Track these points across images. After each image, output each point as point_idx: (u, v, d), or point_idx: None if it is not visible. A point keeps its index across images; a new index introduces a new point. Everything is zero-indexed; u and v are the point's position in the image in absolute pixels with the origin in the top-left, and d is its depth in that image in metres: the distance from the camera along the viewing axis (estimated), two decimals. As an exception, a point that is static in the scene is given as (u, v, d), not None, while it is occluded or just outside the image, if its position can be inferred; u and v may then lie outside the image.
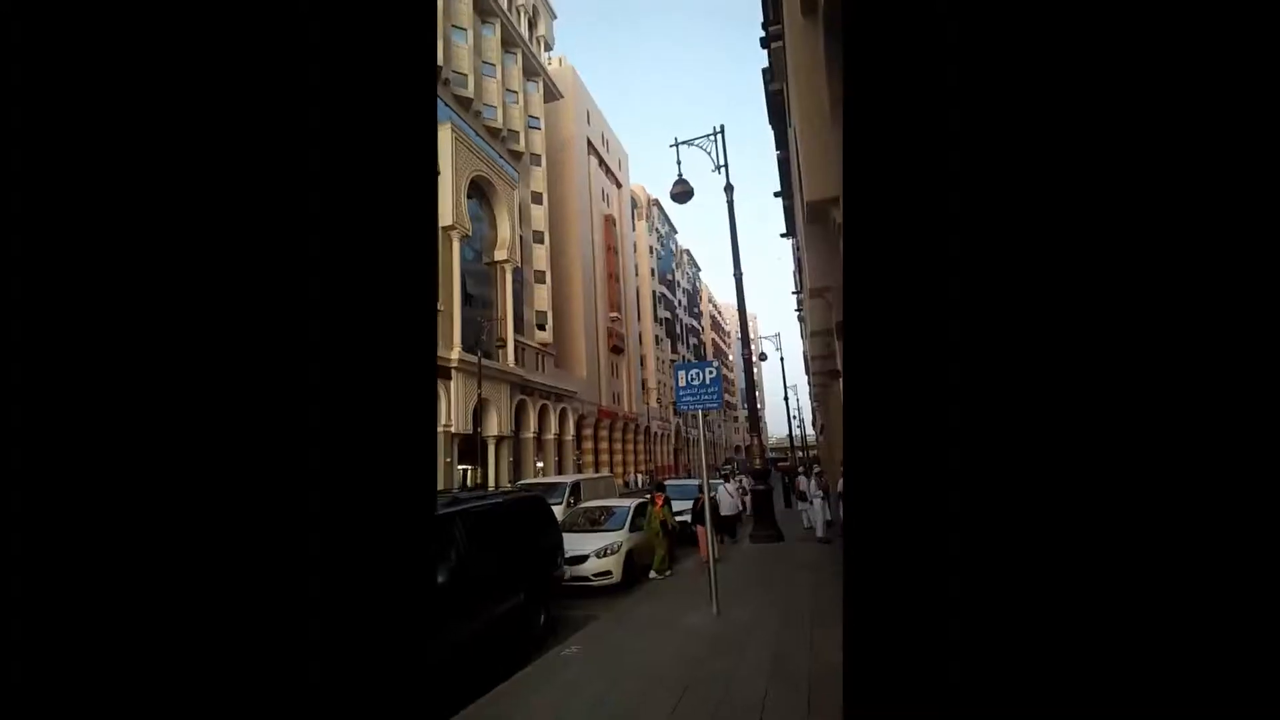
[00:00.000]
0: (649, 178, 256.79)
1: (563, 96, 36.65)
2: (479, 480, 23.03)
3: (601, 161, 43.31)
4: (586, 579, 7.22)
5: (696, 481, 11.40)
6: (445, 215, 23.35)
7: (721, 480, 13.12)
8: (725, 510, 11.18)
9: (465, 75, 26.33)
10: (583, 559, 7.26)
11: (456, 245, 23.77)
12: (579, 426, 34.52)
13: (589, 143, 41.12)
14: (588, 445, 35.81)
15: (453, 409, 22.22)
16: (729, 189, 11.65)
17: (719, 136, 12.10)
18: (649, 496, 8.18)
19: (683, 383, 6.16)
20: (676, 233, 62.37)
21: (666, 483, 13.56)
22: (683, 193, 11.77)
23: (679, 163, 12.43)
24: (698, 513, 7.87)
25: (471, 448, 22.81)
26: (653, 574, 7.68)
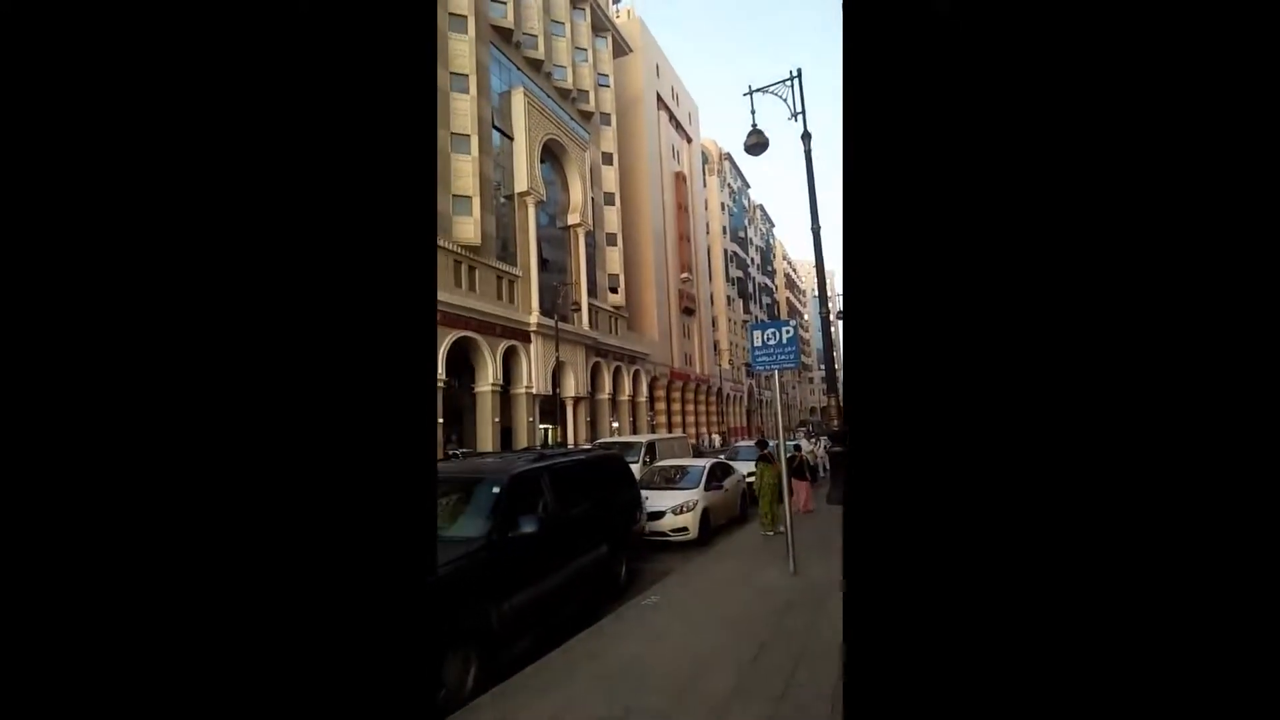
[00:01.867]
0: (720, 129, 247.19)
1: (632, 50, 35.71)
2: (559, 439, 24.06)
3: (671, 116, 42.15)
4: (664, 534, 7.47)
5: (774, 443, 11.33)
6: (520, 181, 23.76)
7: (814, 439, 12.91)
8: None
9: (535, 36, 26.18)
10: (660, 515, 7.50)
11: (532, 211, 24.20)
12: (651, 388, 34.93)
13: (659, 97, 40.04)
14: (660, 406, 36.25)
15: (533, 371, 23.11)
16: (806, 137, 11.05)
17: (795, 81, 11.42)
18: (763, 454, 8.18)
19: (758, 343, 6.09)
20: (749, 188, 60.20)
21: (740, 444, 13.54)
22: (757, 144, 11.29)
23: (753, 112, 11.90)
24: (795, 469, 7.88)
25: (551, 408, 23.82)
26: (769, 532, 7.61)
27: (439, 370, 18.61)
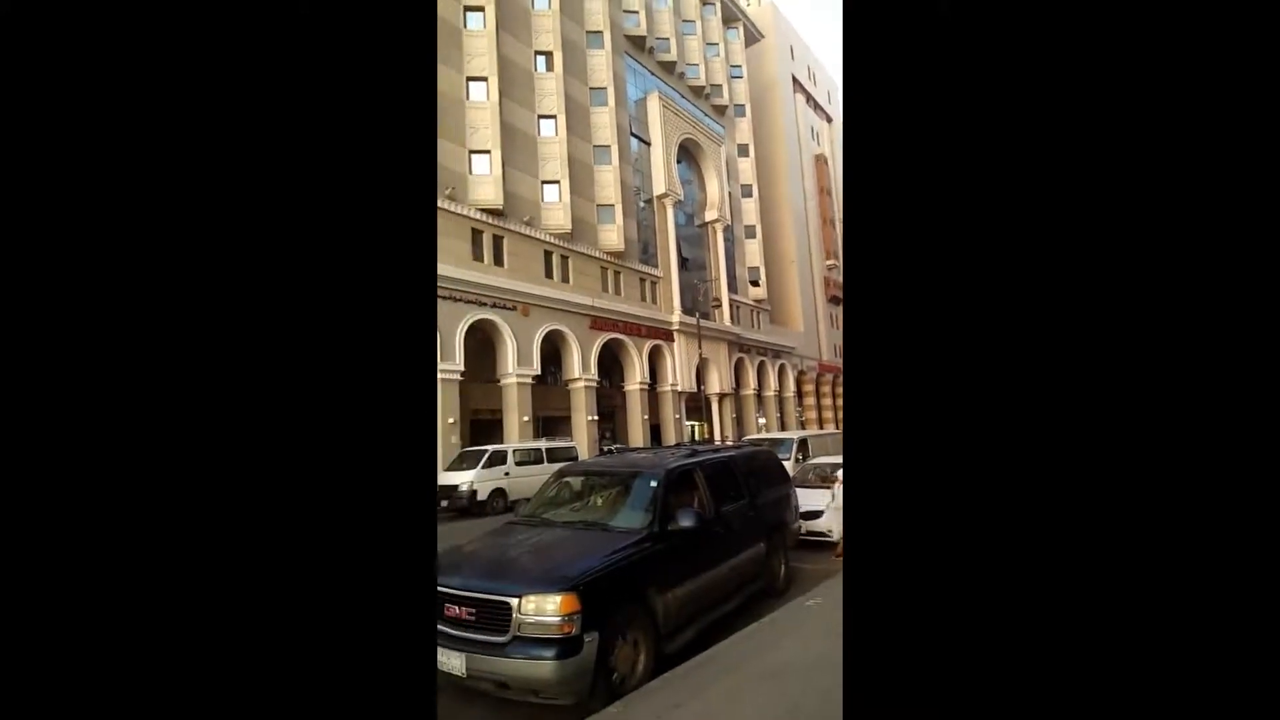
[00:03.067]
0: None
1: (764, 37, 34.74)
2: (705, 435, 24.21)
3: (809, 98, 40.20)
4: (823, 535, 7.15)
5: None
6: (658, 184, 24.31)
7: None
8: None
9: (667, 39, 26.59)
10: (817, 514, 7.19)
11: (670, 212, 24.63)
12: (799, 382, 33.63)
13: (794, 80, 38.42)
14: (809, 401, 34.75)
15: (677, 369, 23.52)
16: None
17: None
18: None
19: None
20: (901, 162, 55.05)
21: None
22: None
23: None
24: None
25: (696, 404, 24.05)
26: None
27: (591, 371, 19.72)
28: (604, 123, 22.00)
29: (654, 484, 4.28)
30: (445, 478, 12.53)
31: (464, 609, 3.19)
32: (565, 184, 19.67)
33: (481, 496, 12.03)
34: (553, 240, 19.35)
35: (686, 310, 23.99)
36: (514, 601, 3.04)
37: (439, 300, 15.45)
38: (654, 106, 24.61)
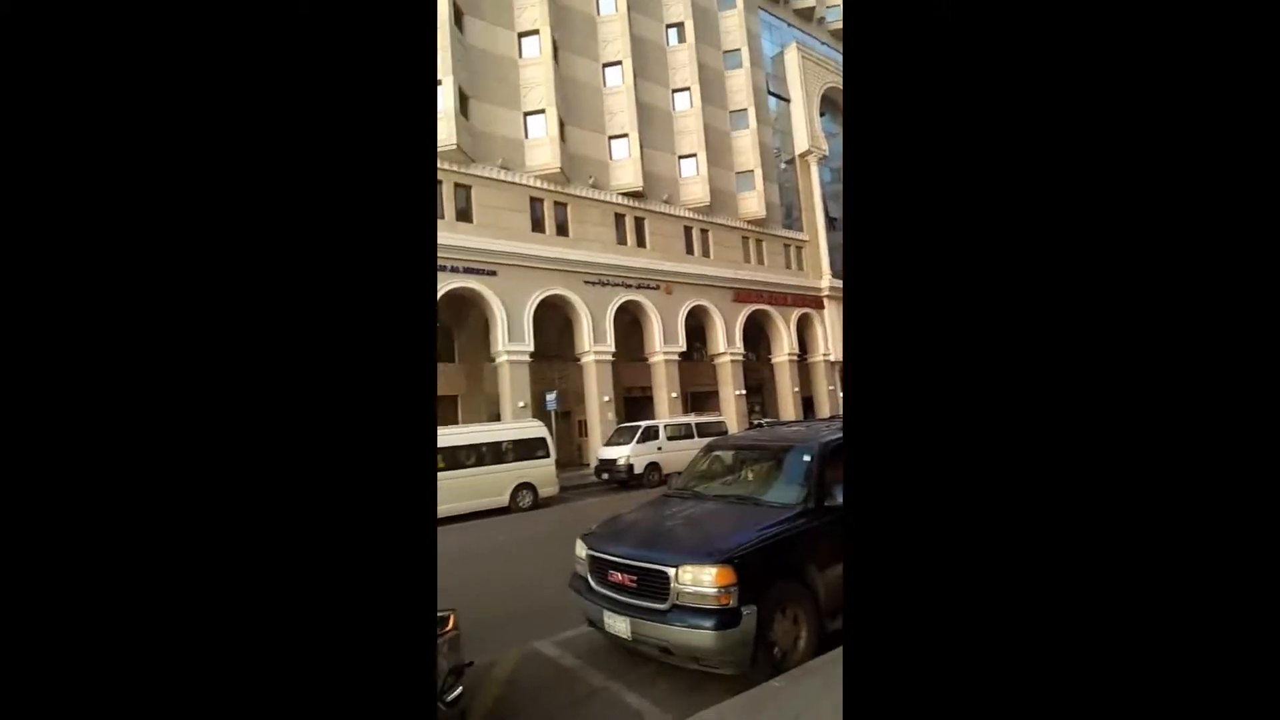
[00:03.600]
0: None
1: (918, -45, 30.62)
2: (863, 406, 22.81)
3: (978, 16, 34.77)
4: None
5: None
6: (800, 142, 22.96)
7: None
8: None
9: (803, -16, 24.71)
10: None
11: (815, 170, 23.18)
12: (975, 345, 29.96)
13: None
14: (988, 366, 30.82)
15: (829, 337, 22.30)
16: None
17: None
18: None
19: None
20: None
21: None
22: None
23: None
24: None
25: (851, 374, 22.70)
26: None
27: (737, 344, 19.49)
28: (739, 86, 21.20)
29: (807, 458, 4.12)
30: (604, 452, 13.38)
31: (626, 576, 3.39)
32: (702, 155, 19.39)
33: (638, 470, 12.62)
34: (691, 215, 19.28)
35: (837, 274, 22.51)
36: (672, 571, 3.16)
37: (587, 285, 16.31)
38: (792, 59, 23.11)
